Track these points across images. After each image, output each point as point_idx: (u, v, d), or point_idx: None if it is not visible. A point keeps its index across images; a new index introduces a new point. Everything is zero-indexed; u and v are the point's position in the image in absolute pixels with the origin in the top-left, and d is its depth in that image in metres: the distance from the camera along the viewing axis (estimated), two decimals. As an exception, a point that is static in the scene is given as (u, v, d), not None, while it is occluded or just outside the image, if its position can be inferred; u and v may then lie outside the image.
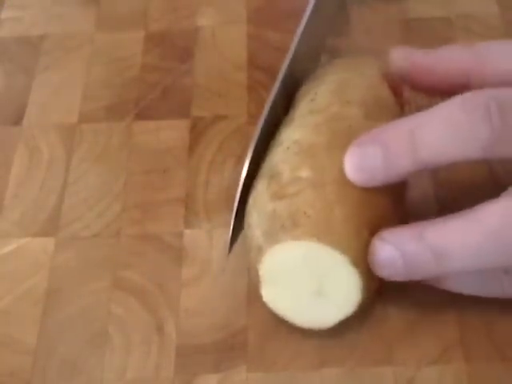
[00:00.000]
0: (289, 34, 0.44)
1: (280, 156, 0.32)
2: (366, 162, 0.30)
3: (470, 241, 0.28)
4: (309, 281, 0.30)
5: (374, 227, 0.30)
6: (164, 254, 0.36)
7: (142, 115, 0.42)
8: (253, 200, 0.32)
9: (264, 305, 0.34)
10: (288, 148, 0.32)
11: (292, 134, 0.32)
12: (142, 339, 0.34)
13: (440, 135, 0.29)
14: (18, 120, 0.42)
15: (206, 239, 0.36)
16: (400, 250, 0.29)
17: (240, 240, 0.36)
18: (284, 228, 0.29)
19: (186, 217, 0.37)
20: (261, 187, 0.31)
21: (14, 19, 0.48)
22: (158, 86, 0.43)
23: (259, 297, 0.33)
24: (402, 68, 0.35)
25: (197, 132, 0.41)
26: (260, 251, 0.30)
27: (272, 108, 0.34)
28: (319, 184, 0.30)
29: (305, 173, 0.30)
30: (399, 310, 0.33)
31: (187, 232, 0.37)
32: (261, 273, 0.31)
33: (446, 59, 0.33)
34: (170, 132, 0.41)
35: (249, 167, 0.33)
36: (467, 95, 0.29)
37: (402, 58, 0.35)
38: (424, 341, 0.32)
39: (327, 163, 0.30)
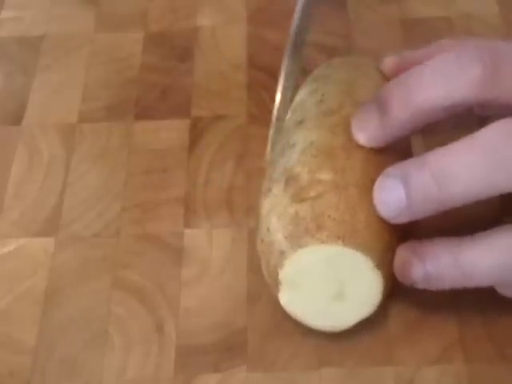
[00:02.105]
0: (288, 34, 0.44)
1: (296, 158, 0.31)
2: (365, 123, 0.31)
3: (470, 159, 0.28)
4: (329, 283, 0.30)
5: (393, 229, 0.30)
6: (164, 253, 0.36)
7: (141, 115, 0.42)
8: (270, 204, 0.31)
9: (264, 305, 0.34)
10: (304, 150, 0.31)
11: (307, 136, 0.32)
12: (142, 339, 0.34)
13: (431, 78, 0.29)
14: (18, 120, 0.42)
15: (206, 239, 0.36)
16: (402, 179, 0.29)
17: (240, 241, 0.36)
18: (308, 231, 0.29)
19: (186, 217, 0.37)
20: (278, 190, 0.31)
21: (14, 19, 0.48)
22: (158, 86, 0.43)
23: (259, 297, 0.33)
24: (394, 68, 0.35)
25: (197, 132, 0.41)
26: (282, 255, 0.30)
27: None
28: (341, 186, 0.30)
29: (325, 175, 0.30)
30: (399, 310, 0.33)
31: (187, 232, 0.37)
32: (280, 277, 0.30)
33: (436, 52, 0.33)
34: (170, 132, 0.41)
35: None
36: (459, 48, 0.30)
37: (394, 61, 0.35)
38: (424, 341, 0.32)
39: (347, 165, 0.30)
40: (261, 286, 0.34)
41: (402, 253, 0.30)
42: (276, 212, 0.30)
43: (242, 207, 0.37)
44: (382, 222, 0.30)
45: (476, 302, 0.32)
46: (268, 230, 0.31)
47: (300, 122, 0.33)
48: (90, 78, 0.44)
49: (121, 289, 0.35)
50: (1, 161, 0.41)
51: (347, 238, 0.29)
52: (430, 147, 0.29)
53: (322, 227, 0.29)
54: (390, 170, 0.29)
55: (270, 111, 0.41)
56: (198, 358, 0.33)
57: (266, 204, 0.31)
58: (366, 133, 0.31)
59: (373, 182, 0.30)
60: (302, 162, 0.31)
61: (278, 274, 0.30)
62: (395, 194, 0.29)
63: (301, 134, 0.32)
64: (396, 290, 0.31)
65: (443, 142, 0.29)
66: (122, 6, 0.48)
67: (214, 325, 0.34)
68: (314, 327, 0.32)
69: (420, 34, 0.43)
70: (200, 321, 0.34)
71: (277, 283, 0.31)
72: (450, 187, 0.28)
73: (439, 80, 0.29)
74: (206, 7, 0.47)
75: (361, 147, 0.31)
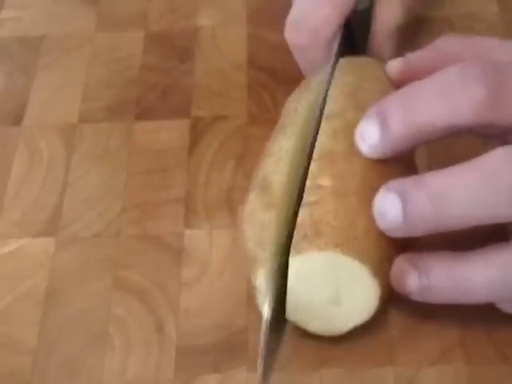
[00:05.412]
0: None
1: (273, 165, 0.31)
2: (367, 134, 0.30)
3: (469, 182, 0.27)
4: (326, 289, 0.30)
5: (392, 239, 0.30)
6: (164, 254, 0.36)
7: (142, 115, 0.42)
8: (247, 210, 0.31)
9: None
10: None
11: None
12: (142, 339, 0.34)
13: (432, 94, 0.29)
14: (18, 120, 0.42)
15: (206, 239, 0.36)
16: (400, 195, 0.28)
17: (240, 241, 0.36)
18: (307, 237, 0.29)
19: (186, 217, 0.37)
20: (254, 196, 0.31)
21: (14, 19, 0.48)
22: (158, 86, 0.43)
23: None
24: (400, 73, 0.35)
25: (197, 132, 0.41)
26: (255, 262, 0.30)
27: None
28: (341, 193, 0.30)
29: (325, 181, 0.30)
30: (399, 311, 0.33)
31: (187, 232, 0.37)
32: (256, 284, 0.30)
33: (441, 55, 0.33)
34: (170, 132, 0.41)
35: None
36: (463, 62, 0.29)
37: (398, 64, 0.35)
38: (424, 342, 0.32)
39: (348, 171, 0.30)
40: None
41: (400, 263, 0.30)
42: (250, 219, 0.30)
43: (242, 207, 0.37)
44: (380, 230, 0.29)
45: (477, 304, 0.32)
46: (244, 237, 0.31)
47: None
48: (90, 78, 0.44)
49: (121, 289, 0.35)
50: (1, 161, 0.41)
51: (345, 245, 0.29)
52: (432, 153, 0.29)
53: (320, 233, 0.29)
54: (392, 183, 0.29)
55: (270, 111, 0.41)
56: (198, 358, 0.33)
57: (245, 210, 0.31)
58: (366, 144, 0.30)
59: (373, 189, 0.29)
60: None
61: (255, 282, 0.30)
62: (392, 209, 0.28)
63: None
64: (396, 294, 0.31)
65: (446, 147, 0.29)
66: (123, 6, 0.48)
67: (214, 325, 0.34)
68: (311, 331, 0.32)
69: (420, 34, 0.43)
70: (200, 321, 0.34)
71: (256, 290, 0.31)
72: (446, 209, 0.28)
73: (441, 100, 0.29)
74: (205, 7, 0.47)
75: (362, 154, 0.31)
